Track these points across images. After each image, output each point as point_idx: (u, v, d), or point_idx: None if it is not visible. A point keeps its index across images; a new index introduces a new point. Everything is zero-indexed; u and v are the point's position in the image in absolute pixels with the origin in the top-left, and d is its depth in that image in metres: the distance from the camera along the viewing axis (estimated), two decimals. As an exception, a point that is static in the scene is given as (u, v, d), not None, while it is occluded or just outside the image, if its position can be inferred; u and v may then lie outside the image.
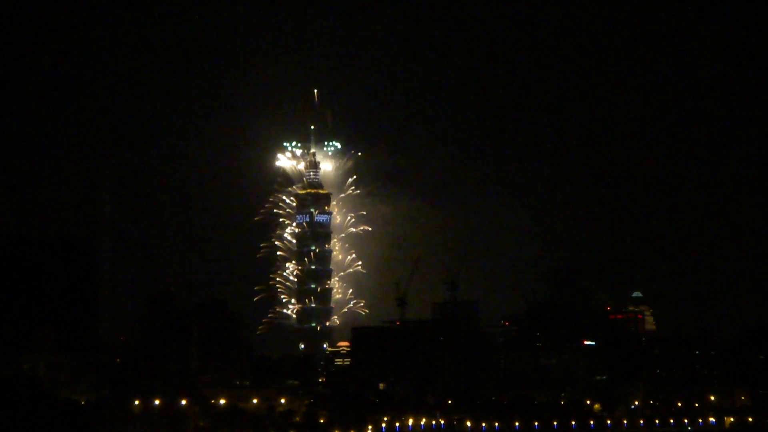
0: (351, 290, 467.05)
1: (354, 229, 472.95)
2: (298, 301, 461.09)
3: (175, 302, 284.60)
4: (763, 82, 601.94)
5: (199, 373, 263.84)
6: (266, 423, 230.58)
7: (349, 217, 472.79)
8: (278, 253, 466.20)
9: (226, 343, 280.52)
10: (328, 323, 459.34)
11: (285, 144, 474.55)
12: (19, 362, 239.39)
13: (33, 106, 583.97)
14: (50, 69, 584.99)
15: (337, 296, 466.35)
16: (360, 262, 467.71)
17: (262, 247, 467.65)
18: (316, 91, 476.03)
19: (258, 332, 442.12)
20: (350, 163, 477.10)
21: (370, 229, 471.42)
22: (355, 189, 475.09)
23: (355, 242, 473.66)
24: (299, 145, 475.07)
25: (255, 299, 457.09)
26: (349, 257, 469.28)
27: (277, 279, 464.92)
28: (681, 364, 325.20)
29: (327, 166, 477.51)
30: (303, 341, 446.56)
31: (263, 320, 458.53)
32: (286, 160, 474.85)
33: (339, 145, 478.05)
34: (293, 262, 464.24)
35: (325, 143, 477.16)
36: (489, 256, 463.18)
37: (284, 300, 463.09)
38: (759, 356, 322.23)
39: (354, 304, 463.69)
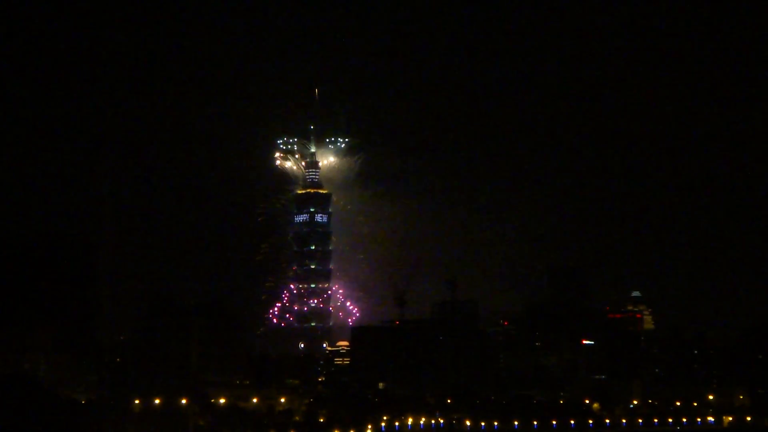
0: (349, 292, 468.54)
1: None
2: (298, 301, 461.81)
3: (175, 302, 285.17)
4: (764, 82, 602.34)
5: (199, 373, 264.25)
6: (266, 422, 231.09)
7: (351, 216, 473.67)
8: (278, 252, 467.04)
9: (226, 342, 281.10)
10: (329, 323, 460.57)
11: (280, 142, 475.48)
12: (19, 361, 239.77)
13: (34, 105, 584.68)
14: (51, 68, 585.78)
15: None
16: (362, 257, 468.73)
17: (263, 247, 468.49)
18: (317, 90, 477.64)
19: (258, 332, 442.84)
20: (356, 162, 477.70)
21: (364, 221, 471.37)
22: (360, 189, 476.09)
23: (356, 242, 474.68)
24: (298, 142, 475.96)
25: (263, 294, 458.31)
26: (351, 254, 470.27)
27: (278, 278, 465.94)
28: (679, 363, 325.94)
29: (331, 163, 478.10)
30: (303, 341, 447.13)
31: (263, 320, 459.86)
32: (287, 160, 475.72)
33: (344, 144, 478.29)
34: (293, 262, 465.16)
35: (333, 139, 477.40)
36: (489, 256, 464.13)
37: (284, 300, 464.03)
38: (757, 356, 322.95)
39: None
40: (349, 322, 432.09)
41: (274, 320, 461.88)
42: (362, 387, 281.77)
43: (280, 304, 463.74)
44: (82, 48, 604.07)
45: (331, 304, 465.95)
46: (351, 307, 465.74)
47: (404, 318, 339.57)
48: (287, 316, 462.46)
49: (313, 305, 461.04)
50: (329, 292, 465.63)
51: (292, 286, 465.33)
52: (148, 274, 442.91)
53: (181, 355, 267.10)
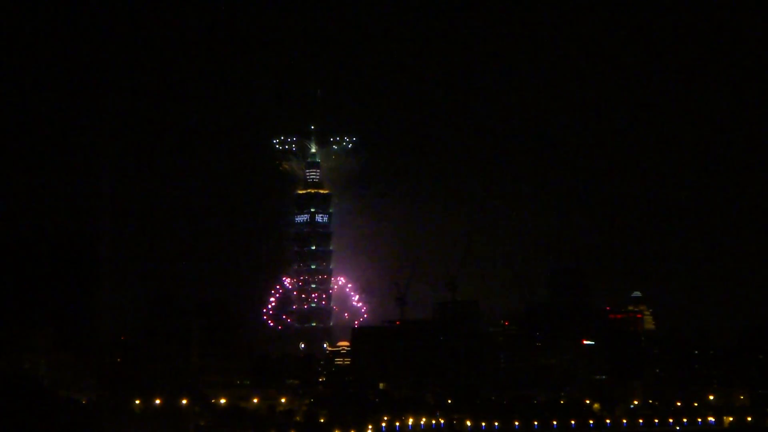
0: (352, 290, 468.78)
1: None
2: (299, 301, 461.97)
3: (175, 302, 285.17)
4: (764, 82, 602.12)
5: (199, 373, 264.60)
6: (267, 422, 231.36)
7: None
8: (279, 253, 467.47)
9: (226, 342, 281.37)
10: (329, 323, 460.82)
11: (276, 142, 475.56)
12: (19, 361, 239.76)
13: (33, 104, 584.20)
14: (51, 67, 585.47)
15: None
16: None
17: (263, 248, 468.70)
18: (318, 90, 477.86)
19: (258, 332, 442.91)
20: (358, 162, 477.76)
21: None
22: (361, 189, 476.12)
23: (356, 242, 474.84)
24: (298, 142, 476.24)
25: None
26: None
27: (278, 279, 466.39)
28: (680, 363, 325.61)
29: (332, 163, 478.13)
30: (303, 341, 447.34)
31: (263, 320, 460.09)
32: (287, 160, 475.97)
33: (345, 144, 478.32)
34: (294, 262, 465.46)
35: (335, 139, 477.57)
36: (489, 256, 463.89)
37: (283, 300, 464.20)
38: (758, 356, 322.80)
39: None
40: (355, 323, 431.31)
41: (270, 323, 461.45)
42: (363, 387, 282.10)
43: (279, 305, 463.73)
44: (82, 47, 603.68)
45: (334, 304, 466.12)
46: (360, 306, 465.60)
47: (405, 318, 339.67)
48: (284, 317, 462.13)
49: (313, 305, 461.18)
50: (330, 291, 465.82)
51: (290, 286, 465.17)
52: (148, 274, 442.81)
53: (181, 355, 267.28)
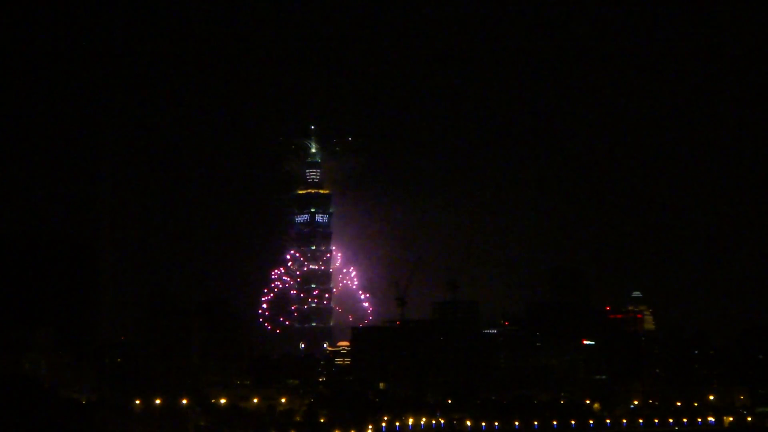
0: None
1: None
2: (299, 301, 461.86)
3: (175, 302, 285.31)
4: (763, 82, 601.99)
5: (199, 373, 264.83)
6: (267, 422, 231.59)
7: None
8: (279, 252, 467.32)
9: (226, 342, 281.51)
10: (329, 323, 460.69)
11: (276, 143, 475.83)
12: (20, 362, 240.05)
13: (33, 104, 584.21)
14: (51, 67, 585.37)
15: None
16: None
17: (263, 247, 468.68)
18: (319, 91, 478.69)
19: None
20: (358, 162, 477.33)
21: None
22: (361, 189, 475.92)
23: (357, 242, 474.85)
24: (299, 142, 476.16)
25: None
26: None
27: (278, 279, 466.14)
28: (680, 363, 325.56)
29: (333, 163, 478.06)
30: (303, 341, 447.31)
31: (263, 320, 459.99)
32: (287, 160, 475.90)
33: (345, 144, 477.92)
34: (293, 262, 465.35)
35: (336, 139, 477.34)
36: (489, 256, 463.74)
37: (283, 299, 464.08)
38: (758, 356, 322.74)
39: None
40: (360, 325, 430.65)
41: (267, 324, 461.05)
42: (363, 387, 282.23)
43: (278, 305, 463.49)
44: (83, 46, 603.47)
45: (335, 304, 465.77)
46: (367, 307, 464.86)
47: (405, 318, 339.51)
48: (281, 319, 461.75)
49: (314, 305, 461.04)
50: (334, 291, 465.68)
51: (289, 286, 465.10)
52: (148, 274, 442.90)
53: (181, 355, 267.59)
